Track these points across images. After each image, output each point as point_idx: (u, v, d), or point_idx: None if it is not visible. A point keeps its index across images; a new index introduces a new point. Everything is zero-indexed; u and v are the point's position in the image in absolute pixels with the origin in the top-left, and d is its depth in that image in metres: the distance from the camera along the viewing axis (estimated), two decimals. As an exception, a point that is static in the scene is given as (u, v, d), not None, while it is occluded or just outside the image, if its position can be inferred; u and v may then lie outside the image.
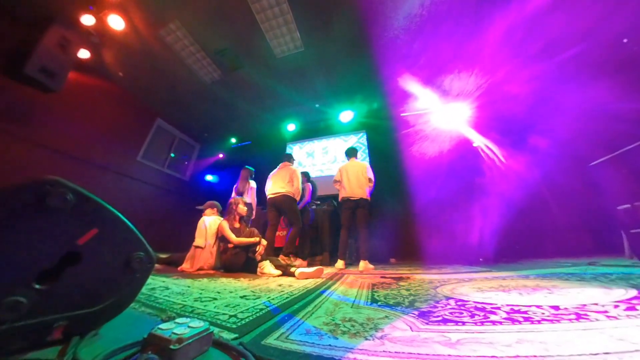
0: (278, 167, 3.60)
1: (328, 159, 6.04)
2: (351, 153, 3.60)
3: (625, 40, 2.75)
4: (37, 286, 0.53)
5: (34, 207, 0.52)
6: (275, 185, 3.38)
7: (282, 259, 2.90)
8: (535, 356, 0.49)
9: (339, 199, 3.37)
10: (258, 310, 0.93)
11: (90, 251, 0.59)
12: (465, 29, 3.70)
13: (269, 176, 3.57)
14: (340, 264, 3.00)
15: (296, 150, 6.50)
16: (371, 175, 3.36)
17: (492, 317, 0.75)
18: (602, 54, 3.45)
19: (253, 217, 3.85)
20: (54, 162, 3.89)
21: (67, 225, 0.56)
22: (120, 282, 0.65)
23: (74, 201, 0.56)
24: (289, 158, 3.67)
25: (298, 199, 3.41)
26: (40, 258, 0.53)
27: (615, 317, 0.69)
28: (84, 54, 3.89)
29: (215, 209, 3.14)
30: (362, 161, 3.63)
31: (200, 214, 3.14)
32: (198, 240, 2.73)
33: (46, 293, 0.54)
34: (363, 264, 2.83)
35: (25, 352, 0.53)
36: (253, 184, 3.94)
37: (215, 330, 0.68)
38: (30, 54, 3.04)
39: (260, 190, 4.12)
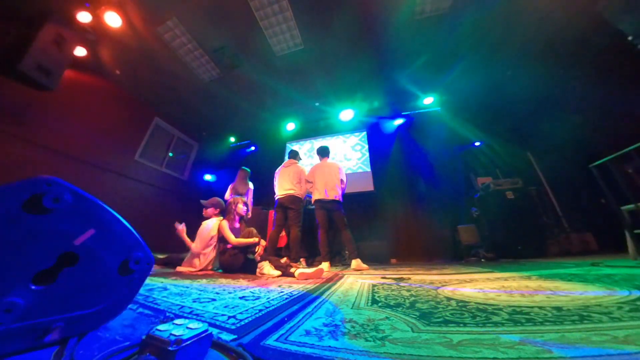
0: (283, 164, 3.54)
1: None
2: (324, 153, 3.54)
3: (630, 38, 2.75)
4: (33, 287, 0.52)
5: (30, 207, 0.51)
6: (282, 186, 3.32)
7: (292, 265, 2.88)
8: (537, 358, 0.49)
9: (312, 201, 3.32)
10: (257, 311, 0.92)
11: (87, 252, 0.58)
12: (467, 26, 3.69)
13: (276, 174, 3.52)
14: (325, 266, 2.84)
15: (295, 149, 6.51)
16: (344, 177, 3.34)
17: (494, 318, 0.75)
18: (606, 52, 3.44)
19: (249, 216, 3.84)
20: (50, 162, 3.86)
21: (64, 226, 0.55)
22: (118, 283, 0.64)
23: (70, 201, 0.55)
24: (295, 155, 3.61)
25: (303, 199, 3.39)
26: (36, 259, 0.52)
27: (618, 319, 0.69)
28: (80, 51, 3.85)
29: (218, 209, 3.09)
30: (334, 162, 3.57)
31: (199, 211, 3.10)
32: (196, 245, 2.70)
33: (43, 294, 0.53)
34: (355, 263, 2.81)
35: (22, 353, 0.52)
36: (251, 184, 3.92)
37: (214, 331, 0.68)
38: (25, 51, 3.00)
39: (259, 190, 4.11)
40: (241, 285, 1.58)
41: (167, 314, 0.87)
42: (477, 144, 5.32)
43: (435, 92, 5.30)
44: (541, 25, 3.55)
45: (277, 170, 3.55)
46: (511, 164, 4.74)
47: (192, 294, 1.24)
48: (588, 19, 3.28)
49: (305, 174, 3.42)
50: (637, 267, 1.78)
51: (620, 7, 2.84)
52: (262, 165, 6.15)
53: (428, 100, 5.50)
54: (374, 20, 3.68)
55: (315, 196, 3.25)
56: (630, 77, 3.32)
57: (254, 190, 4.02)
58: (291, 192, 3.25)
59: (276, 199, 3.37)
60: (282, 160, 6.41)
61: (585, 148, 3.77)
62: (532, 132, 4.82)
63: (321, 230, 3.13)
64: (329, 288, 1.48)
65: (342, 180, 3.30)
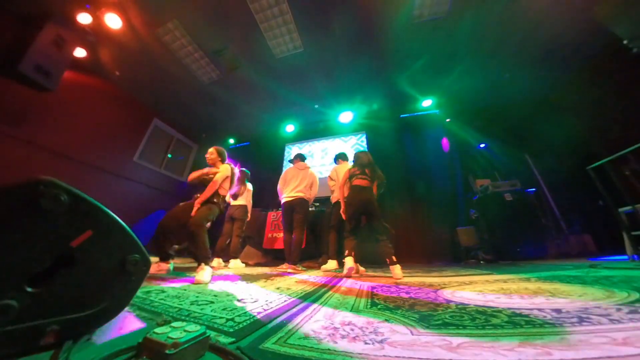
0: (295, 165, 3.47)
1: (328, 161, 6.02)
2: (343, 157, 3.57)
3: (625, 42, 2.78)
4: (28, 289, 0.51)
5: (27, 208, 0.51)
6: (292, 188, 3.25)
7: (292, 268, 2.87)
8: (537, 360, 0.49)
9: (333, 201, 3.29)
10: (256, 313, 0.91)
11: (84, 253, 0.58)
12: (464, 30, 3.72)
13: (285, 173, 3.45)
14: (333, 264, 2.93)
15: (295, 151, 6.48)
16: None
17: (494, 321, 0.75)
18: (602, 55, 3.48)
19: (249, 219, 3.82)
20: (48, 163, 3.84)
21: (61, 227, 0.55)
22: (115, 285, 0.63)
23: (68, 202, 0.54)
24: (304, 159, 3.57)
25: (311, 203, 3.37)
26: (32, 260, 0.52)
27: (617, 320, 0.69)
28: (80, 52, 3.86)
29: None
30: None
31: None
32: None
33: (38, 296, 0.52)
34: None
35: (16, 357, 0.51)
36: (249, 186, 3.91)
37: (212, 334, 0.67)
38: (25, 52, 3.00)
39: (258, 192, 4.08)
40: (239, 287, 1.57)
41: (165, 317, 0.87)
42: (479, 146, 5.34)
43: (434, 94, 5.33)
44: (538, 29, 3.59)
45: (286, 170, 3.47)
46: (509, 166, 4.76)
47: (189, 297, 1.23)
48: (584, 23, 3.32)
49: (317, 182, 3.39)
50: (636, 269, 1.78)
51: (615, 12, 2.89)
52: (261, 167, 6.14)
53: (427, 103, 5.53)
54: (372, 24, 3.70)
55: (336, 195, 3.21)
56: (626, 80, 3.35)
57: (253, 192, 4.01)
58: (301, 194, 3.20)
59: (284, 200, 3.27)
60: (282, 162, 6.40)
61: (583, 150, 3.79)
62: (529, 134, 4.85)
63: (333, 232, 3.17)
64: (328, 290, 1.47)
65: None
